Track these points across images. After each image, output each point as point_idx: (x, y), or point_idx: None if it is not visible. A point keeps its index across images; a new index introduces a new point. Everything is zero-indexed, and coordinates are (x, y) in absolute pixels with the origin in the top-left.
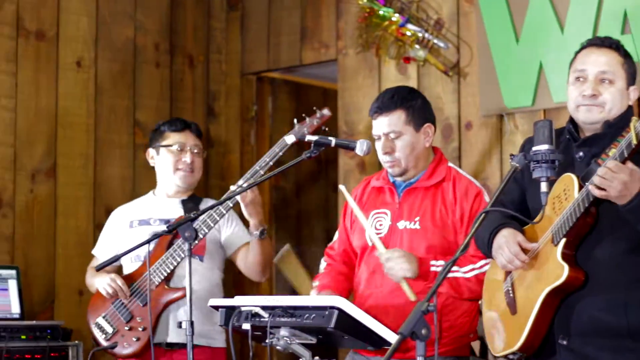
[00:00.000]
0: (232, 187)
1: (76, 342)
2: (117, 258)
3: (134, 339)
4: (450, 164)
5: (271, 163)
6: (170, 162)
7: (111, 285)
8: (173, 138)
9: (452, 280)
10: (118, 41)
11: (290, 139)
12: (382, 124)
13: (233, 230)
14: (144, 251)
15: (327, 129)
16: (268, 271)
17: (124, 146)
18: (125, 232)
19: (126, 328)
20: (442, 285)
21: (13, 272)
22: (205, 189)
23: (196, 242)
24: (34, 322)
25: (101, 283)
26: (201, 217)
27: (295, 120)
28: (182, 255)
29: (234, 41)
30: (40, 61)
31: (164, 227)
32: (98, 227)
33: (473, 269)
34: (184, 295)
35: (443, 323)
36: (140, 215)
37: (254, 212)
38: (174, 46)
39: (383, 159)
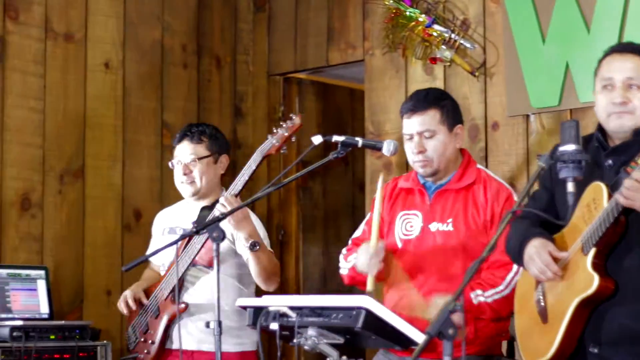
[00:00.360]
0: (218, 208)
1: (105, 342)
2: (142, 260)
3: (146, 352)
4: (479, 166)
5: (247, 178)
6: (175, 176)
7: (120, 302)
8: (174, 153)
9: (495, 304)
10: (146, 43)
11: (317, 139)
12: (416, 123)
13: (241, 241)
14: (168, 260)
15: (294, 139)
16: (273, 281)
17: (152, 147)
18: (160, 239)
19: (142, 340)
20: (484, 312)
21: (42, 272)
22: None
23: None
24: (62, 322)
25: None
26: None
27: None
28: (182, 269)
29: (261, 42)
30: (68, 63)
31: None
32: (126, 227)
33: (508, 284)
34: (183, 310)
35: (478, 322)
36: (171, 222)
37: (239, 227)
38: (202, 47)
39: (414, 158)
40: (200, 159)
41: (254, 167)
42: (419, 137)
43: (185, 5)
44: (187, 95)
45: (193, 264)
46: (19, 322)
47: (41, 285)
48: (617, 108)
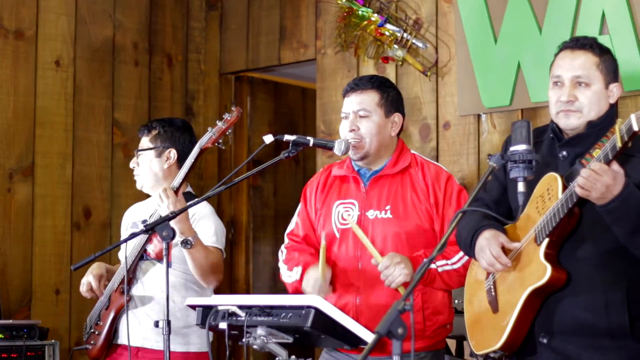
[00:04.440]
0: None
1: (52, 341)
2: (91, 260)
3: (92, 342)
4: (413, 151)
5: (186, 171)
6: None
7: (83, 285)
8: None
9: (444, 275)
10: (97, 40)
11: (268, 138)
12: (354, 102)
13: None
14: (130, 252)
15: (230, 132)
16: (211, 279)
17: (102, 145)
18: (124, 233)
19: (92, 330)
20: (435, 281)
21: None
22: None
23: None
24: (10, 322)
25: None
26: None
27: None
28: (132, 259)
29: (212, 41)
30: (18, 60)
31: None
32: (75, 226)
33: (460, 259)
34: (127, 302)
35: (426, 310)
36: (135, 217)
37: (173, 222)
38: (153, 45)
39: (347, 136)
40: (139, 151)
41: (192, 161)
42: (354, 116)
43: (137, 3)
44: (138, 94)
45: (145, 257)
46: None
47: None
48: (564, 106)
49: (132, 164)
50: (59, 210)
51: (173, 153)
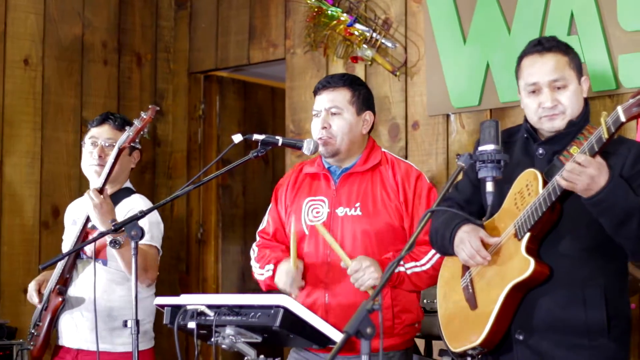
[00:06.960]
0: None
1: (20, 340)
2: (59, 259)
3: (32, 344)
4: (384, 150)
5: (107, 172)
6: (84, 158)
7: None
8: (89, 133)
9: (413, 276)
10: (66, 39)
11: (237, 137)
12: (326, 100)
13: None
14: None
15: (146, 132)
16: (143, 277)
17: (71, 144)
18: (69, 229)
19: (33, 332)
20: (402, 282)
21: None
22: (152, 187)
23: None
24: None
25: None
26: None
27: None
28: (70, 260)
29: (182, 40)
30: None
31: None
32: (44, 225)
33: (429, 260)
34: (60, 304)
35: (395, 307)
36: (75, 214)
37: (102, 220)
38: (122, 44)
39: (318, 134)
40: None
41: (112, 161)
42: (326, 113)
43: (106, 2)
44: (107, 93)
45: (82, 256)
46: None
47: None
48: (548, 112)
49: (99, 153)
50: (27, 209)
51: (138, 155)
